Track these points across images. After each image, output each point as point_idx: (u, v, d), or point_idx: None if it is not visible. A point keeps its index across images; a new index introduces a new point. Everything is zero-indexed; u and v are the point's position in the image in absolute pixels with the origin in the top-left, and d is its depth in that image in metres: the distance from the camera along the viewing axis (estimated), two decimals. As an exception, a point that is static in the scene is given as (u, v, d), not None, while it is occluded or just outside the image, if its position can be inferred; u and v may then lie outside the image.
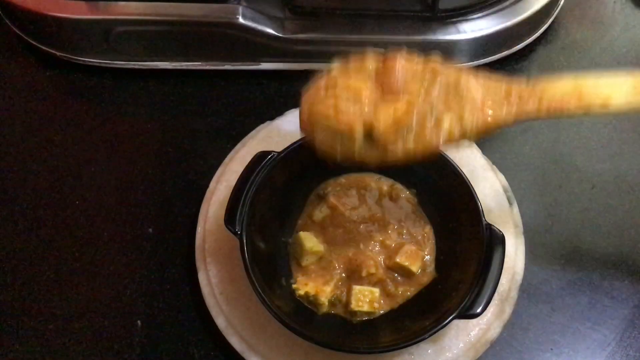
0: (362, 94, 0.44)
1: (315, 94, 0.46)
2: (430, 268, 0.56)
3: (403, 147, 0.44)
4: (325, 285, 0.55)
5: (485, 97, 0.44)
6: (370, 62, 0.46)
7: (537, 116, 0.44)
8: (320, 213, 0.59)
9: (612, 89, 0.44)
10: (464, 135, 0.44)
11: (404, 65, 0.45)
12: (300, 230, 0.58)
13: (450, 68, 0.45)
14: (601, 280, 0.59)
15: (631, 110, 0.44)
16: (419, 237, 0.58)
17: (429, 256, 0.57)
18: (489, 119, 0.44)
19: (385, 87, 0.44)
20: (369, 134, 0.44)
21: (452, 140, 0.44)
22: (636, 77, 0.44)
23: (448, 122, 0.43)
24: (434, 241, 0.58)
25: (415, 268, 0.55)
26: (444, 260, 0.56)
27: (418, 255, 0.56)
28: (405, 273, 0.55)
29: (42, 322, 0.57)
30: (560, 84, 0.44)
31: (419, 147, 0.44)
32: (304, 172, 0.59)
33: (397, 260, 0.55)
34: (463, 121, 0.44)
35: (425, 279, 0.56)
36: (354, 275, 0.55)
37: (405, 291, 0.55)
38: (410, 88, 0.44)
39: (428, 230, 0.58)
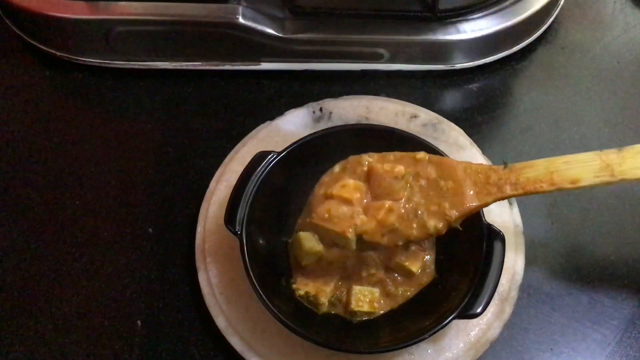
0: (353, 203, 0.51)
1: (319, 199, 0.54)
2: (431, 268, 0.56)
3: (389, 241, 0.50)
4: (325, 285, 0.54)
5: (467, 185, 0.49)
6: (362, 167, 0.53)
7: (513, 196, 0.49)
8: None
9: (581, 171, 0.48)
10: (449, 225, 0.49)
11: (386, 172, 0.51)
12: (300, 230, 0.58)
13: (433, 162, 0.51)
14: (601, 280, 0.59)
15: (599, 185, 0.48)
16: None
17: (429, 256, 0.57)
18: (472, 204, 0.49)
19: (372, 192, 0.52)
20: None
21: (437, 233, 0.49)
22: (603, 157, 0.48)
23: (432, 222, 0.49)
24: (434, 241, 0.57)
25: (415, 268, 0.55)
26: (444, 260, 0.56)
27: (418, 255, 0.56)
28: (406, 273, 0.55)
29: (42, 322, 0.57)
30: (533, 170, 0.49)
31: (409, 239, 0.50)
32: (303, 172, 0.59)
33: (398, 260, 0.55)
34: (446, 214, 0.49)
35: (426, 279, 0.56)
36: (354, 275, 0.55)
37: (405, 291, 0.55)
38: (394, 192, 0.50)
39: None
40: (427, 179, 0.50)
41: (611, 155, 0.48)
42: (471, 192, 0.49)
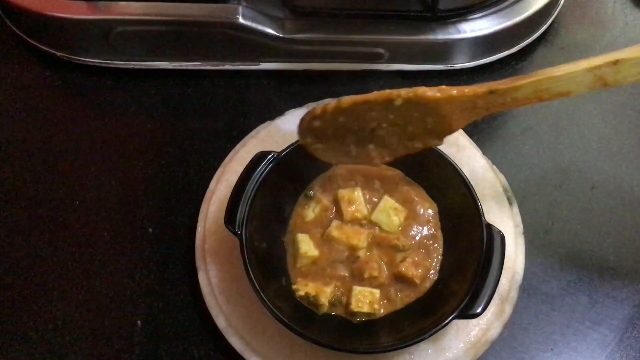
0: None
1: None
2: (433, 275, 0.56)
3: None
4: (326, 286, 0.54)
5: (454, 116, 0.48)
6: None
7: (500, 111, 0.48)
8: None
9: (571, 86, 0.45)
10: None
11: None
12: (298, 231, 0.57)
13: (413, 103, 0.48)
14: (601, 280, 0.59)
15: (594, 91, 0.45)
16: (429, 244, 0.57)
17: (434, 264, 0.56)
18: (459, 126, 0.49)
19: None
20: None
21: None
22: (596, 71, 0.44)
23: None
24: (441, 249, 0.57)
25: (418, 280, 0.55)
26: (445, 262, 0.56)
27: (422, 265, 0.55)
28: (408, 281, 0.55)
29: (42, 322, 0.57)
30: (521, 91, 0.46)
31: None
32: (303, 172, 0.59)
33: (401, 269, 0.55)
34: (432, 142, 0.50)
35: (427, 285, 0.55)
36: (355, 276, 0.55)
37: (405, 297, 0.55)
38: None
39: (439, 236, 0.58)
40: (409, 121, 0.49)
41: (605, 69, 0.44)
42: (457, 119, 0.48)
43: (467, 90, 0.47)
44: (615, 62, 0.44)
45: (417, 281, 0.55)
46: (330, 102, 0.49)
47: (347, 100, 0.49)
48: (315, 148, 0.52)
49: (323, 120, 0.50)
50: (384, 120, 0.49)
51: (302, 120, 0.51)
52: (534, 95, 0.46)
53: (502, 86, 0.46)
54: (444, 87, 0.47)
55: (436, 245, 0.57)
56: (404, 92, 0.48)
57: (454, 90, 0.47)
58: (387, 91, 0.48)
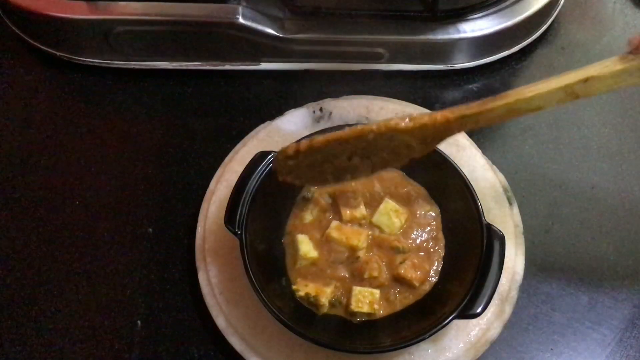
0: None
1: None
2: (433, 278, 0.56)
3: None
4: (326, 286, 0.54)
5: (427, 138, 0.48)
6: None
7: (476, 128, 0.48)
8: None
9: (543, 103, 0.45)
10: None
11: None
12: (297, 232, 0.57)
13: (385, 136, 0.48)
14: (601, 280, 0.59)
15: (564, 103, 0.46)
16: (429, 247, 0.57)
17: (434, 268, 0.56)
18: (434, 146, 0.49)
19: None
20: None
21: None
22: (568, 90, 0.45)
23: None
24: (443, 252, 0.57)
25: (417, 282, 0.55)
26: (445, 263, 0.56)
27: (422, 268, 0.55)
28: (407, 283, 0.55)
29: (42, 322, 0.57)
30: (494, 111, 0.46)
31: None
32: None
33: (400, 271, 0.55)
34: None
35: (427, 287, 0.55)
36: (355, 277, 0.55)
37: (404, 299, 0.55)
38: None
39: (440, 238, 0.58)
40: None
41: (576, 86, 0.45)
42: (432, 140, 0.48)
43: (439, 117, 0.47)
44: (586, 80, 0.44)
45: (416, 284, 0.55)
46: (302, 142, 0.49)
47: (319, 140, 0.49)
48: (294, 181, 0.52)
49: (296, 160, 0.50)
50: (359, 150, 0.49)
51: (276, 159, 0.51)
52: (507, 115, 0.46)
53: (474, 110, 0.47)
54: (415, 115, 0.48)
55: (437, 247, 0.57)
56: (376, 126, 0.48)
57: (426, 118, 0.47)
58: (359, 127, 0.48)
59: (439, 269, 0.56)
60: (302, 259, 0.55)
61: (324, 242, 0.57)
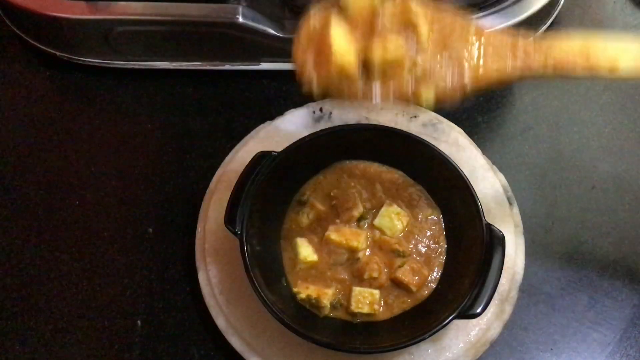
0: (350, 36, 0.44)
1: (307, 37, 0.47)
2: (432, 284, 0.55)
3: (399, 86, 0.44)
4: (327, 288, 0.54)
5: (488, 49, 0.43)
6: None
7: (542, 73, 0.43)
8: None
9: (621, 52, 0.42)
10: (463, 88, 0.43)
11: (389, 11, 0.44)
12: (293, 236, 0.57)
13: (448, 16, 0.43)
14: (601, 280, 0.59)
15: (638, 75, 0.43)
16: (430, 252, 0.57)
17: (434, 275, 0.56)
18: (493, 72, 0.43)
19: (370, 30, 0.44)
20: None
21: (447, 95, 0.44)
22: None
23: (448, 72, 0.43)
24: (442, 261, 0.57)
25: (414, 287, 0.54)
26: (446, 266, 0.56)
27: (420, 273, 0.55)
28: (404, 287, 0.55)
29: (42, 322, 0.57)
30: (568, 42, 0.43)
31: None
32: (303, 172, 0.59)
33: (398, 275, 0.55)
34: (462, 73, 0.43)
35: (425, 292, 0.55)
36: (355, 277, 0.55)
37: (402, 303, 0.55)
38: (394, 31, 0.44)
39: (442, 243, 0.57)
40: (443, 30, 0.44)
41: None
42: (494, 65, 0.43)
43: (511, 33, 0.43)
44: None
45: (414, 289, 0.54)
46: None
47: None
48: (320, 87, 0.46)
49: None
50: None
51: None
52: (582, 52, 0.42)
53: (547, 37, 0.42)
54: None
55: (438, 253, 0.57)
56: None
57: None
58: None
59: (439, 275, 0.56)
60: (302, 262, 0.55)
61: (323, 244, 0.56)
